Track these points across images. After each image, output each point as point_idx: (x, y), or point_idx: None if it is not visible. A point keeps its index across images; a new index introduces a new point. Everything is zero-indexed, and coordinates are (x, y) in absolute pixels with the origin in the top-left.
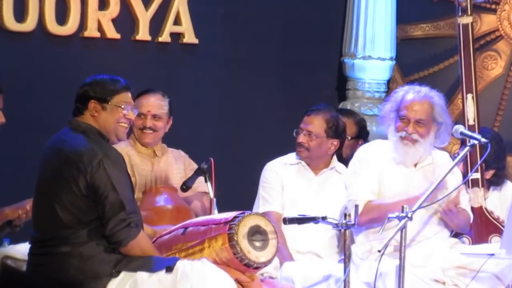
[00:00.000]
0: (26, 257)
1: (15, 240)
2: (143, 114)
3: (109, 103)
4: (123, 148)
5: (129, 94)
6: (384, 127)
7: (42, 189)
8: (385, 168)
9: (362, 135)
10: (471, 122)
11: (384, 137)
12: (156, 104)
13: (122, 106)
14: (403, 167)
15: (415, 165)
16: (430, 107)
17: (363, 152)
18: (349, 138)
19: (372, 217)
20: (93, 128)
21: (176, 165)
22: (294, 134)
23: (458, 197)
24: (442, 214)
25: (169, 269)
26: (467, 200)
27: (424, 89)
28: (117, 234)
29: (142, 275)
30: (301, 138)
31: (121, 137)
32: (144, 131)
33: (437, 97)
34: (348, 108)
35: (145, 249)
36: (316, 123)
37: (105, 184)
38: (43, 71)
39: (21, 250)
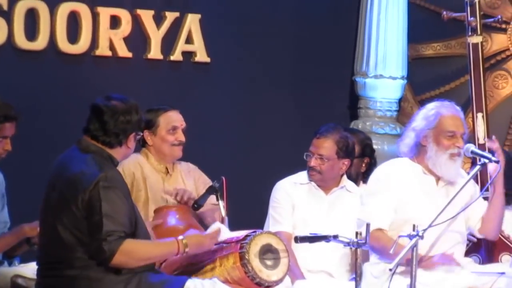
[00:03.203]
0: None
1: (25, 259)
2: (175, 128)
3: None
4: (134, 161)
5: None
6: (402, 145)
7: (46, 209)
8: (406, 191)
9: (367, 153)
10: (481, 141)
11: (396, 156)
12: (182, 118)
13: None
14: (424, 188)
15: (437, 183)
16: (463, 120)
17: (383, 171)
18: None
19: (374, 246)
20: (104, 151)
21: (187, 181)
22: (304, 157)
23: None
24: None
25: None
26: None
27: (451, 103)
28: (97, 256)
29: None
30: (313, 162)
31: None
32: (178, 146)
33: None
34: (359, 126)
35: (136, 254)
36: (326, 146)
37: (95, 205)
38: (54, 90)
39: (31, 269)
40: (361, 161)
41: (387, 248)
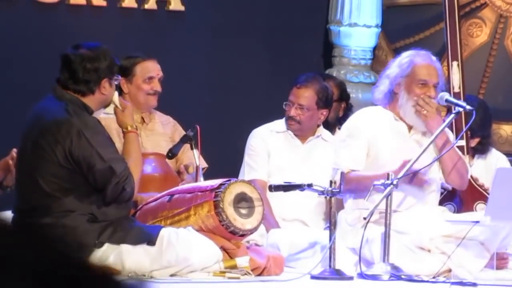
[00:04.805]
0: None
1: (0, 208)
2: (152, 78)
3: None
4: (108, 116)
5: None
6: (377, 92)
7: (23, 159)
8: (378, 136)
9: (344, 98)
10: (456, 89)
11: (370, 104)
12: (160, 68)
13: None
14: (396, 134)
15: (409, 130)
16: (438, 70)
17: (355, 120)
18: None
19: (349, 188)
20: (77, 100)
21: (164, 131)
22: (284, 106)
23: None
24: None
25: (151, 243)
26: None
27: (427, 52)
28: (120, 198)
29: (127, 246)
30: (293, 112)
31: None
32: (154, 95)
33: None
34: (334, 75)
35: (137, 183)
36: (307, 96)
37: (90, 154)
38: (28, 39)
39: (6, 217)
40: (339, 105)
41: (363, 180)
